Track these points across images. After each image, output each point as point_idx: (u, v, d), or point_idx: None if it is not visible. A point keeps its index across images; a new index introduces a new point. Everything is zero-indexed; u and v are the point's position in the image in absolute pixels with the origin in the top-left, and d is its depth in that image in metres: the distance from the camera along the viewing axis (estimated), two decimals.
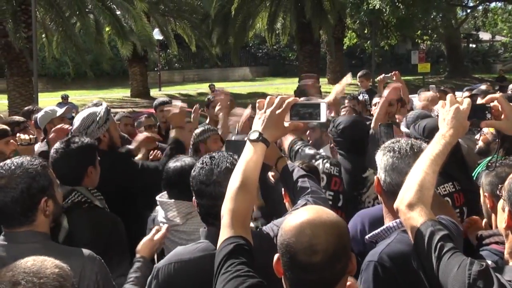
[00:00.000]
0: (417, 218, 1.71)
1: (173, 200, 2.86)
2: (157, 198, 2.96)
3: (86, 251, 2.23)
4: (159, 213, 2.96)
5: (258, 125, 1.98)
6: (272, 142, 1.99)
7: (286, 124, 2.01)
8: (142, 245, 2.57)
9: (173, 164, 2.93)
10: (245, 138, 2.02)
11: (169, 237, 2.84)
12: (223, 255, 1.71)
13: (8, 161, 2.21)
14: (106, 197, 2.95)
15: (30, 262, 1.52)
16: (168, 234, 2.72)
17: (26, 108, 6.26)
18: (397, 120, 5.18)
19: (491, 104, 2.01)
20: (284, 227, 1.56)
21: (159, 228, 2.68)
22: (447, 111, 1.96)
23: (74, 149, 2.88)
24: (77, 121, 3.53)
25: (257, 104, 2.04)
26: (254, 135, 1.95)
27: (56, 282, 1.49)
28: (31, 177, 2.16)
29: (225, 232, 1.77)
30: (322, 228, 1.50)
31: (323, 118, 1.99)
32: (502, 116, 2.00)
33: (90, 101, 6.56)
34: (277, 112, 1.97)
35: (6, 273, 1.48)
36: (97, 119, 3.50)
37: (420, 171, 1.82)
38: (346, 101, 6.26)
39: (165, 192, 2.97)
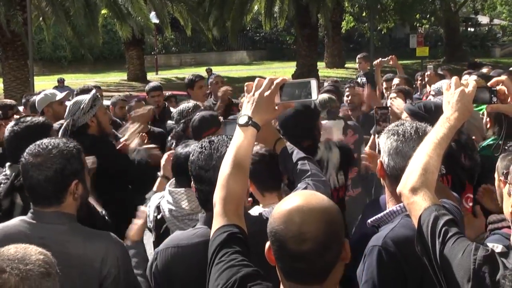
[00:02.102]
0: (421, 202, 1.67)
1: (183, 189, 2.70)
2: (167, 187, 2.83)
3: (111, 235, 2.25)
4: (165, 204, 2.77)
5: (247, 108, 1.91)
6: (262, 125, 1.92)
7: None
8: (137, 231, 2.58)
9: (184, 150, 2.80)
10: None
11: (183, 228, 2.65)
12: (216, 245, 1.66)
13: (45, 140, 2.24)
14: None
15: (12, 249, 1.50)
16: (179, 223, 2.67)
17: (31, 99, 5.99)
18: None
19: (497, 87, 1.97)
20: (273, 214, 1.48)
21: (144, 211, 2.70)
22: (452, 94, 1.91)
23: (24, 128, 2.97)
24: (67, 109, 3.66)
25: (245, 87, 1.97)
26: (243, 119, 1.89)
27: (42, 268, 1.47)
28: (66, 159, 2.19)
29: (218, 221, 1.72)
30: (312, 215, 1.41)
31: (314, 96, 1.93)
32: (509, 100, 1.96)
33: (87, 85, 6.50)
34: (266, 94, 1.91)
35: None
36: (82, 106, 3.59)
37: (424, 155, 1.77)
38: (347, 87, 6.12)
39: (173, 180, 2.86)
